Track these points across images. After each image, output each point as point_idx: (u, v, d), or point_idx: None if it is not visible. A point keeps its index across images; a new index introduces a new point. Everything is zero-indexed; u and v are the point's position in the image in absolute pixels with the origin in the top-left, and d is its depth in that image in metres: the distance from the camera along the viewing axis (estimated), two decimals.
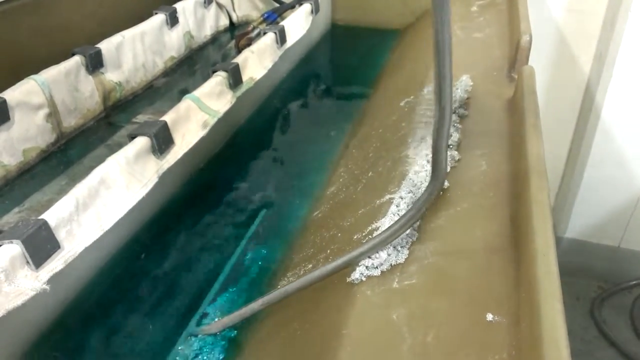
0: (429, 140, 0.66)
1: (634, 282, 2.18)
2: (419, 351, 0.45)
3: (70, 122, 1.03)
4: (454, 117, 0.82)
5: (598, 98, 1.84)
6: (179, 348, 0.64)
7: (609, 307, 2.14)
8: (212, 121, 0.88)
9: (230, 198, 0.95)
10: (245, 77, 1.00)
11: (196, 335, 0.65)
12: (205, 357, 0.60)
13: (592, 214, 2.09)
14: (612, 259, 2.19)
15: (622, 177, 1.97)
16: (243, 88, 0.98)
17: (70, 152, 0.99)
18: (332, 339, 0.49)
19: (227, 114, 0.92)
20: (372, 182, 0.80)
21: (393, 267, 0.56)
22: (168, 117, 0.81)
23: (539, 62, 1.99)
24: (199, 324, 0.68)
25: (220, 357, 0.60)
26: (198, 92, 0.88)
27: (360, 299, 0.53)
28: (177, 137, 0.81)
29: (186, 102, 0.86)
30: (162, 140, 0.77)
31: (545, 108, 2.08)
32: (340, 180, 0.92)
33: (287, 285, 0.59)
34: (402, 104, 1.00)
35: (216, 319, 0.67)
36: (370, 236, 0.62)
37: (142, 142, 0.75)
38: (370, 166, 0.86)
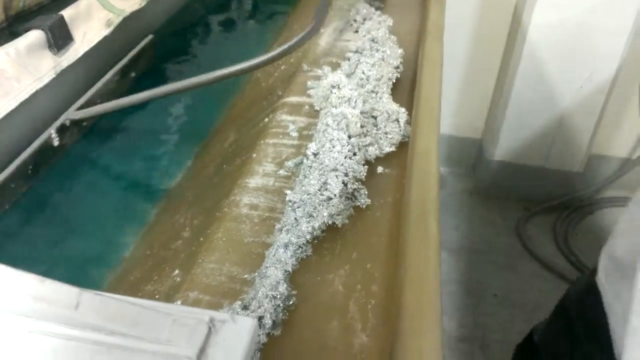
0: None
1: (557, 202, 2.31)
2: None
3: None
4: None
5: (525, 18, 1.88)
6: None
7: (534, 225, 2.26)
8: (117, 20, 0.84)
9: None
10: None
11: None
12: None
13: (519, 135, 2.17)
14: (538, 179, 2.29)
15: (547, 98, 2.04)
16: None
17: None
18: None
19: (141, 16, 0.88)
20: None
21: None
22: (66, 12, 0.76)
23: None
24: None
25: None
26: None
27: None
28: (77, 34, 0.78)
29: None
30: (59, 36, 0.73)
31: (476, 31, 2.11)
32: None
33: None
34: None
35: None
36: None
37: (35, 35, 0.71)
38: None
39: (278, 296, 0.48)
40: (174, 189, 0.85)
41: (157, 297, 0.56)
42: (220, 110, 0.99)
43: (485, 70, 2.19)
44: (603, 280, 0.72)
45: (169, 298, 0.53)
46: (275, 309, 0.47)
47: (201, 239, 0.60)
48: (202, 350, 0.29)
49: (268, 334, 0.46)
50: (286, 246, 0.54)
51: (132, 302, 0.31)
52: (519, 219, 2.28)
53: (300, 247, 0.54)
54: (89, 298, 0.30)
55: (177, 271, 0.57)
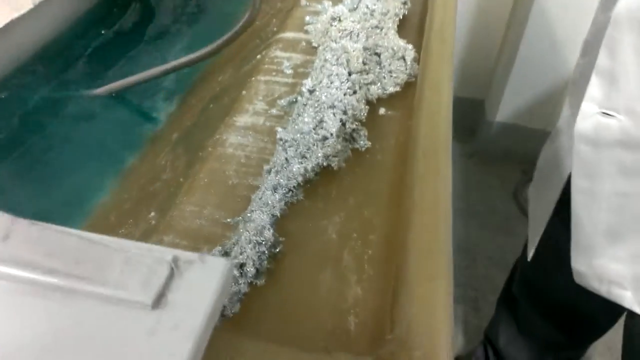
0: None
1: None
2: None
3: None
4: None
5: None
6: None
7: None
8: None
9: None
10: None
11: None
12: None
13: (523, 97, 2.09)
14: (539, 142, 2.23)
15: (554, 59, 1.95)
16: None
17: None
18: None
19: None
20: None
21: None
22: None
23: None
24: None
25: None
26: None
27: None
28: None
29: None
30: None
31: None
32: None
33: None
34: None
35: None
36: None
37: None
38: None
39: (263, 242, 0.42)
40: (158, 133, 0.78)
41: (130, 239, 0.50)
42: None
43: (491, 26, 2.10)
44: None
45: (143, 238, 0.47)
46: (259, 256, 0.41)
47: (181, 179, 0.54)
48: (161, 296, 0.23)
49: (250, 283, 0.40)
50: (275, 189, 0.48)
51: (77, 236, 0.25)
52: (517, 183, 2.23)
53: (290, 190, 0.48)
54: (23, 228, 0.24)
55: (152, 213, 0.52)
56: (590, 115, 0.55)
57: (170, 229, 0.47)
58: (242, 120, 0.60)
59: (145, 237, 0.48)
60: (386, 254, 0.43)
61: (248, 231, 0.42)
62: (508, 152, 2.31)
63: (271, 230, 0.43)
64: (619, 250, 0.62)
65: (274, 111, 0.61)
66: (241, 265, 0.40)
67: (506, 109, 2.16)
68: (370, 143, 0.54)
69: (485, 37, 2.16)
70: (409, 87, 0.62)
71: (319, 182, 0.51)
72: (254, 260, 0.41)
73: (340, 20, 0.68)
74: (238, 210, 0.48)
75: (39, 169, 0.69)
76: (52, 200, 0.67)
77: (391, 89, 0.61)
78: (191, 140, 0.65)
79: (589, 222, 0.63)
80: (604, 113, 0.54)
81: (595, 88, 0.54)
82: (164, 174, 0.61)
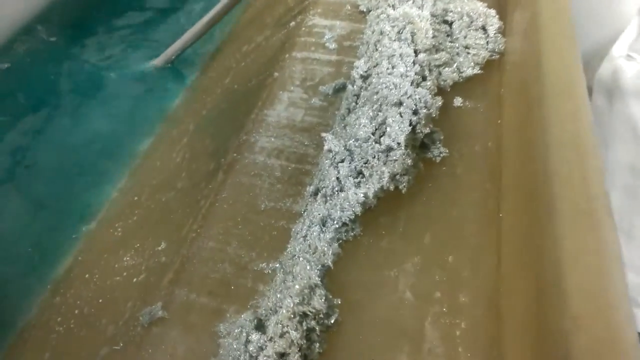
0: None
1: None
2: None
3: None
4: None
5: None
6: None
7: None
8: None
9: None
10: None
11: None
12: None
13: None
14: None
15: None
16: None
17: None
18: None
19: None
20: None
21: None
22: None
23: None
24: None
25: None
26: None
27: None
28: None
29: None
30: None
31: None
32: None
33: None
34: None
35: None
36: None
37: None
38: None
39: (312, 314, 0.30)
40: (172, 113, 0.66)
41: (134, 279, 0.39)
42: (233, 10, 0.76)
43: None
44: None
45: (147, 293, 0.36)
46: (307, 335, 0.29)
47: (199, 198, 0.42)
48: None
49: None
50: (324, 222, 0.35)
51: None
52: None
53: (345, 224, 0.35)
54: None
55: (162, 245, 0.40)
56: (615, 58, 0.51)
57: (184, 276, 0.35)
58: (275, 114, 0.47)
59: (153, 284, 0.36)
60: (488, 324, 0.31)
61: (291, 297, 0.30)
62: None
63: (323, 295, 0.31)
64: (634, 252, 0.50)
65: (315, 101, 0.47)
66: (282, 355, 0.28)
67: None
68: (447, 150, 0.41)
69: None
70: (491, 67, 0.48)
71: (381, 207, 0.37)
72: (300, 346, 0.28)
73: None
74: (273, 248, 0.36)
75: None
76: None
77: (469, 71, 0.46)
78: (210, 134, 0.52)
79: None
80: (628, 55, 0.50)
81: (634, 28, 0.52)
82: (178, 181, 0.48)
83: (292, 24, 0.59)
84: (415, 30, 0.45)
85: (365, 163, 0.38)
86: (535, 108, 0.34)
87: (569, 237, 0.25)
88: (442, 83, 0.45)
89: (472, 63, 0.47)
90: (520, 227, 0.32)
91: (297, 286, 0.30)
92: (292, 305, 0.29)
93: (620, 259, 0.24)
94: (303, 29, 0.57)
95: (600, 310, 0.23)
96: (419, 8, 0.49)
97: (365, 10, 0.56)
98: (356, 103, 0.43)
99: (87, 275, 0.44)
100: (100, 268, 0.44)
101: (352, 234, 0.36)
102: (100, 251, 0.47)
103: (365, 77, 0.45)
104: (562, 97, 0.32)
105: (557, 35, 0.39)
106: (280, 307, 0.30)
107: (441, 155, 0.40)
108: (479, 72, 0.47)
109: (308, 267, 0.32)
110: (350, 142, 0.39)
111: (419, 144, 0.40)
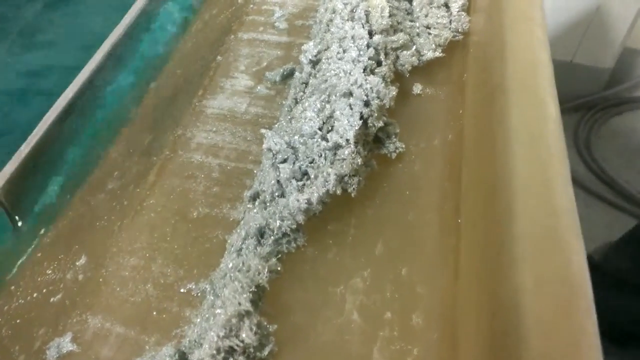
0: None
1: (581, 101, 2.06)
2: None
3: None
4: None
5: None
6: None
7: None
8: None
9: None
10: None
11: None
12: None
13: (549, 26, 1.86)
14: (563, 75, 2.02)
15: None
16: None
17: None
18: None
19: None
20: None
21: None
22: None
23: None
24: None
25: None
26: None
27: None
28: None
29: None
30: None
31: None
32: None
33: None
34: None
35: None
36: None
37: None
38: None
39: (239, 348, 0.26)
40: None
41: (52, 298, 0.34)
42: None
43: None
44: None
45: (60, 318, 0.31)
46: None
47: (125, 202, 0.37)
48: None
49: None
50: (261, 234, 0.31)
51: None
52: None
53: (285, 235, 0.31)
54: None
55: (82, 259, 0.35)
56: None
57: (100, 301, 0.30)
58: (216, 104, 0.42)
59: (68, 307, 0.31)
60: (445, 354, 0.27)
61: (215, 329, 0.26)
62: None
63: (255, 324, 0.26)
64: None
65: (261, 89, 0.43)
66: None
67: None
68: (403, 145, 0.36)
69: None
70: (454, 49, 0.43)
71: (328, 212, 0.33)
72: None
73: None
74: (205, 264, 0.32)
75: None
76: None
77: (430, 54, 0.42)
78: (150, 126, 0.47)
79: None
80: None
81: None
82: (109, 181, 0.43)
83: (240, 0, 0.54)
84: (370, 9, 0.41)
85: (311, 162, 0.33)
86: (497, 97, 0.30)
87: (529, 261, 0.21)
88: (400, 68, 0.41)
89: (434, 45, 0.42)
90: (478, 237, 0.28)
91: (222, 316, 0.26)
92: (215, 339, 0.25)
93: (589, 289, 0.20)
94: (252, 6, 0.52)
95: (566, 352, 0.19)
96: None
97: None
98: (304, 92, 0.39)
99: (12, 287, 0.40)
100: (26, 280, 0.39)
101: (294, 245, 0.31)
102: (27, 259, 0.42)
103: (314, 63, 0.40)
104: (524, 87, 0.28)
105: (522, 13, 0.35)
106: (203, 339, 0.26)
107: (397, 150, 0.36)
108: (441, 55, 0.42)
109: (239, 290, 0.27)
110: (295, 138, 0.34)
111: (372, 139, 0.36)
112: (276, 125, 0.38)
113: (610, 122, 2.15)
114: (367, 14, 0.40)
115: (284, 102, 0.40)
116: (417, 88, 0.41)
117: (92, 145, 0.50)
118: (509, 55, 0.30)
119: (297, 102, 0.38)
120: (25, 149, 0.38)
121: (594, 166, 1.99)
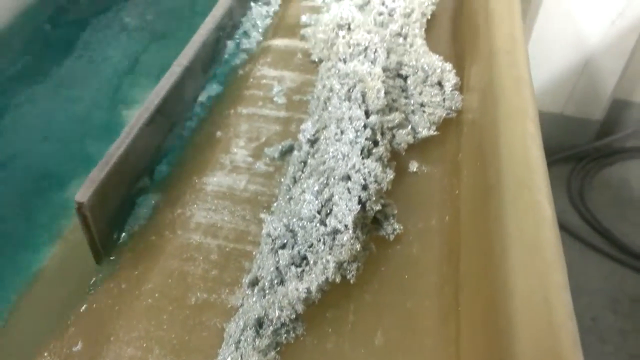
0: None
1: (573, 152, 2.09)
2: None
3: None
4: None
5: None
6: None
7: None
8: None
9: None
10: None
11: None
12: None
13: (538, 77, 1.90)
14: (553, 127, 2.06)
15: (573, 35, 1.76)
16: None
17: None
18: None
19: None
20: None
21: None
22: None
23: None
24: None
25: None
26: None
27: None
28: None
29: None
30: None
31: None
32: None
33: None
34: None
35: None
36: None
37: None
38: None
39: None
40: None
41: None
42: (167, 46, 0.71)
43: None
44: None
45: None
46: None
47: (123, 285, 0.37)
48: None
49: None
50: (260, 324, 0.31)
51: None
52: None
53: (284, 325, 0.31)
54: None
55: (79, 345, 0.34)
56: None
57: None
58: (215, 181, 0.42)
59: None
60: None
61: None
62: None
63: None
64: None
65: (260, 165, 0.43)
66: None
67: None
68: (401, 227, 0.37)
69: None
70: (448, 127, 0.44)
71: (327, 298, 0.33)
72: None
73: (349, 28, 0.50)
74: (204, 354, 0.31)
75: None
76: None
77: (425, 132, 0.43)
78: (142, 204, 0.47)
79: None
80: None
81: None
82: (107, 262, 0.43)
83: (240, 73, 0.55)
84: (366, 90, 0.42)
85: (309, 247, 0.33)
86: (492, 196, 0.30)
87: None
88: (396, 146, 0.42)
89: (428, 123, 0.43)
90: (478, 328, 0.28)
91: None
92: None
93: None
94: (251, 80, 0.53)
95: None
96: (372, 63, 0.45)
97: (317, 60, 0.53)
98: (302, 171, 0.39)
99: None
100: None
101: (293, 335, 0.31)
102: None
103: (312, 142, 0.41)
104: (519, 187, 0.28)
105: (515, 94, 0.36)
106: None
107: (395, 232, 0.36)
108: (435, 133, 0.43)
109: None
110: (294, 221, 0.35)
111: (370, 221, 0.36)
112: (275, 205, 0.39)
113: (602, 172, 2.17)
114: (364, 95, 0.41)
115: (282, 180, 0.41)
116: (413, 166, 0.42)
117: None
118: (504, 152, 0.31)
119: (295, 182, 0.39)
120: None
121: (588, 216, 2.00)
